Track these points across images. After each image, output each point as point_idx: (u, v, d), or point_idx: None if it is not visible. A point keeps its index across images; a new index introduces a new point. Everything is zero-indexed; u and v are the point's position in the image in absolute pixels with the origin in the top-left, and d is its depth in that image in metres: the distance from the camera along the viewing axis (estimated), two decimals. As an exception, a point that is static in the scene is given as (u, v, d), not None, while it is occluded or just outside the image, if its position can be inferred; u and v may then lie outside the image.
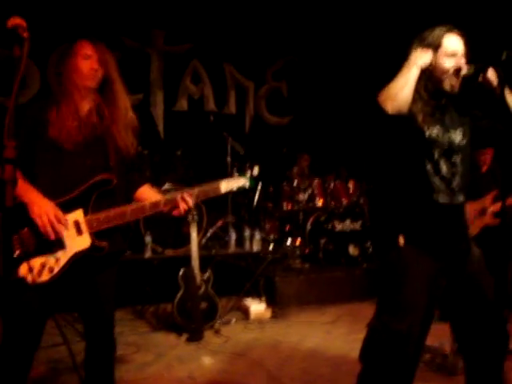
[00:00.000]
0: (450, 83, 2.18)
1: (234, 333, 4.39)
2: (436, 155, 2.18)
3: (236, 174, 2.09)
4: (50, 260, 2.15)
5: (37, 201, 2.14)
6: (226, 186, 2.27)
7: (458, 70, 2.17)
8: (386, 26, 6.69)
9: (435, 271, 2.17)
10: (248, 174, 2.35)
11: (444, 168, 2.18)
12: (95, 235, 2.22)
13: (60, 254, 2.16)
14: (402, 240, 2.17)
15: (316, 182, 6.09)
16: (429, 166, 2.17)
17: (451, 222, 2.20)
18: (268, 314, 4.85)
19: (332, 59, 7.53)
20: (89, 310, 2.35)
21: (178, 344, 4.14)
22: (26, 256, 2.12)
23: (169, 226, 5.05)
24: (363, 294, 5.26)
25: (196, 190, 2.25)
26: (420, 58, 2.16)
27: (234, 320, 4.71)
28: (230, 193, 2.29)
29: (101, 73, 2.34)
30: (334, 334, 4.35)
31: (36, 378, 3.37)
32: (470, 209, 4.16)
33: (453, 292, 2.23)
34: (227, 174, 5.84)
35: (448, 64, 2.18)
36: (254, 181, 2.34)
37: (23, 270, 2.11)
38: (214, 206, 5.59)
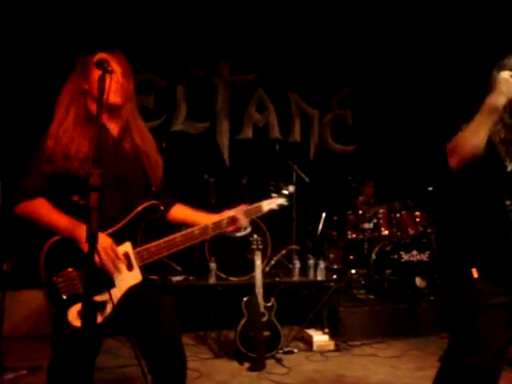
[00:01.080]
0: None
1: (295, 363, 4.33)
2: None
3: (274, 195, 2.40)
4: (102, 300, 2.00)
5: (83, 231, 1.91)
6: (267, 205, 2.42)
7: None
8: (452, 52, 6.57)
9: (509, 306, 2.06)
10: (285, 193, 2.52)
11: None
12: (144, 268, 2.10)
13: (111, 292, 2.03)
14: (475, 273, 2.09)
15: (382, 211, 5.98)
16: (508, 202, 2.07)
17: None
18: (331, 345, 4.75)
19: (397, 87, 7.45)
20: (150, 339, 2.18)
21: (240, 372, 4.11)
22: (74, 299, 1.98)
23: (234, 252, 5.08)
24: (430, 328, 5.08)
25: (242, 212, 2.30)
26: (496, 103, 1.97)
27: (296, 350, 4.64)
28: (271, 211, 2.43)
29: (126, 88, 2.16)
30: (401, 370, 4.20)
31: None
32: None
33: None
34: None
35: None
36: (291, 198, 2.51)
37: (72, 315, 1.98)
38: (278, 234, 5.59)
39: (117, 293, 2.05)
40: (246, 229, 2.41)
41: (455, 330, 2.20)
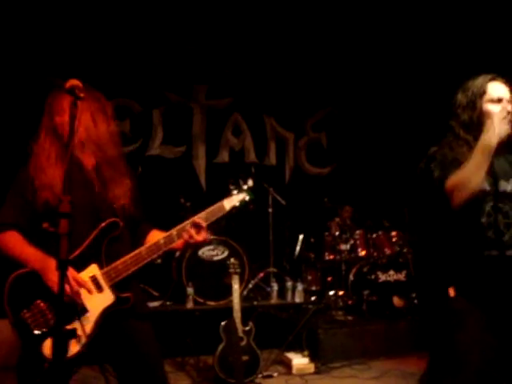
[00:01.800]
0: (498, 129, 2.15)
1: (276, 387, 4.29)
2: (488, 208, 2.11)
3: (235, 192, 2.37)
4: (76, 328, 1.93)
5: (49, 265, 1.94)
6: (229, 203, 2.34)
7: (506, 115, 2.13)
8: (425, 77, 6.73)
9: (487, 324, 2.07)
10: (245, 188, 2.43)
11: (497, 220, 2.10)
12: (115, 287, 2.08)
13: (84, 319, 2.00)
14: (452, 292, 2.10)
15: (358, 232, 6.03)
16: (483, 220, 2.10)
17: (503, 275, 2.12)
18: (311, 368, 4.72)
19: (371, 110, 7.58)
20: (128, 364, 2.13)
21: (220, 398, 4.06)
22: (47, 333, 1.93)
23: (211, 277, 5.06)
24: (409, 348, 5.08)
25: (203, 214, 2.26)
26: (490, 143, 2.02)
27: (275, 374, 4.60)
28: (234, 209, 2.36)
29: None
30: (381, 391, 4.20)
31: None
32: None
33: (505, 349, 2.11)
34: (268, 225, 5.87)
35: (495, 110, 2.16)
36: (252, 192, 2.45)
37: (47, 349, 1.93)
38: (255, 257, 5.59)
39: (91, 318, 2.02)
40: (210, 239, 2.34)
41: (434, 350, 2.20)
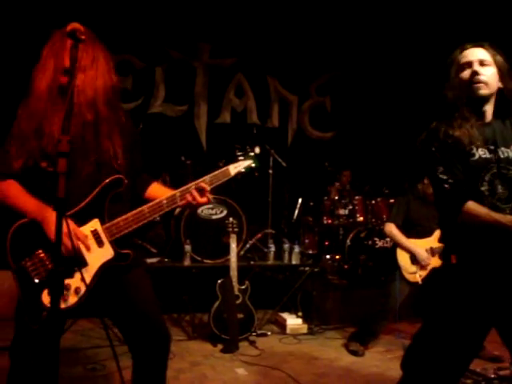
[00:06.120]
0: (473, 90, 2.12)
1: (269, 346, 4.37)
2: (489, 176, 2.07)
3: (241, 158, 2.36)
4: (74, 280, 2.00)
5: (49, 215, 1.94)
6: (234, 168, 2.32)
7: (473, 74, 2.11)
8: (430, 42, 6.61)
9: (487, 292, 2.08)
10: (252, 154, 2.41)
11: (499, 188, 2.07)
12: (115, 243, 2.09)
13: (83, 271, 2.02)
14: (454, 259, 2.10)
15: (357, 198, 6.04)
16: (483, 188, 2.08)
17: (504, 242, 2.08)
18: (304, 328, 4.81)
19: (377, 75, 7.48)
20: (128, 317, 2.15)
21: (213, 354, 4.14)
22: (47, 282, 1.95)
23: (209, 235, 5.07)
24: (401, 313, 5.14)
25: (208, 177, 2.24)
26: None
27: (269, 333, 4.68)
28: (239, 174, 2.33)
29: None
30: (371, 353, 4.27)
31: (74, 379, 3.43)
32: (421, 248, 4.15)
33: (507, 313, 2.12)
34: (268, 187, 5.86)
35: (465, 74, 2.13)
36: (258, 159, 2.43)
37: (46, 298, 1.94)
38: (254, 218, 5.60)
39: (90, 271, 2.03)
40: (211, 201, 2.32)
41: (431, 311, 2.21)
